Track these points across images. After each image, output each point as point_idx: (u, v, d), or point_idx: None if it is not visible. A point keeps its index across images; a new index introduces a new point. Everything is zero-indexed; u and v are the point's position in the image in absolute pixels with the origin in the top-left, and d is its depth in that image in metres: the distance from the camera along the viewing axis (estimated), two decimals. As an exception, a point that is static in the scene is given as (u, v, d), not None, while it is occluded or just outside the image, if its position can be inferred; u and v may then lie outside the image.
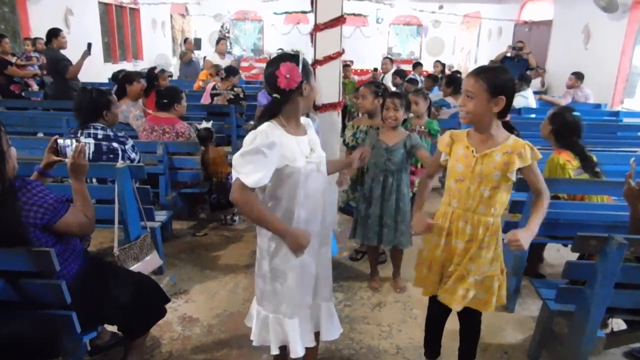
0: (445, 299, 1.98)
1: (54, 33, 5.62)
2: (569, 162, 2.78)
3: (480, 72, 1.78)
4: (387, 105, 2.83)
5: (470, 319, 2.08)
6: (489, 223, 1.86)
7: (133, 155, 3.04)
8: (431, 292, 2.06)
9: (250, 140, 1.64)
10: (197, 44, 9.82)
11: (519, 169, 1.82)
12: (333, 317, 2.02)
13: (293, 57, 1.71)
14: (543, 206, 1.84)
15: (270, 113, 1.75)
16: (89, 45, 5.60)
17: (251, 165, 1.60)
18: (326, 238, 1.94)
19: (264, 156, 1.61)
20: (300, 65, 1.71)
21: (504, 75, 1.78)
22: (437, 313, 2.18)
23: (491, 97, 1.74)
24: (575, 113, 2.94)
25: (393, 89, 6.55)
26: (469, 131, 1.92)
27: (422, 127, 3.56)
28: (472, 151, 1.84)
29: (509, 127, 1.95)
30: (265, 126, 1.68)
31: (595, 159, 2.90)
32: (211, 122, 4.16)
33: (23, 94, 6.31)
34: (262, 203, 1.76)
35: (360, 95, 3.24)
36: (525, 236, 1.72)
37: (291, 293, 1.82)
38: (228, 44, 7.84)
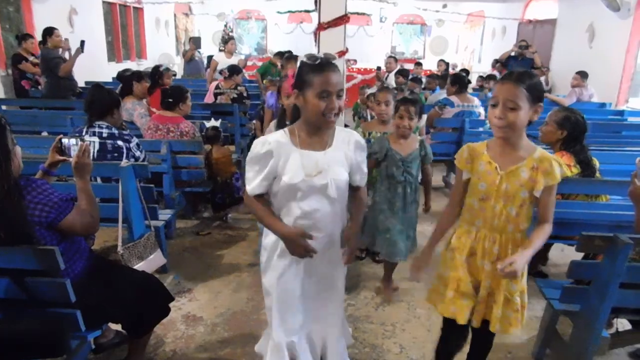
0: (485, 316, 1.80)
1: (48, 32, 5.67)
2: (568, 167, 2.72)
3: (519, 78, 1.58)
4: (401, 113, 2.63)
5: (487, 336, 1.91)
6: (517, 239, 1.73)
7: (138, 154, 3.05)
8: (455, 315, 1.81)
9: (252, 148, 1.69)
10: (197, 42, 9.85)
11: None
12: (339, 354, 1.95)
13: (303, 61, 1.63)
14: (544, 235, 1.66)
15: (285, 119, 1.74)
16: (82, 43, 5.64)
17: (249, 173, 1.69)
18: (335, 265, 1.82)
19: (257, 165, 1.66)
20: (296, 72, 1.65)
21: (538, 79, 1.62)
22: (455, 336, 1.97)
23: (532, 105, 1.58)
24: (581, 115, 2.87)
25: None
26: (489, 143, 1.74)
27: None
28: (496, 168, 1.67)
29: None
30: (271, 134, 1.72)
31: (597, 165, 2.84)
32: (220, 120, 4.16)
33: (32, 89, 6.36)
34: (268, 207, 1.75)
35: (382, 102, 2.99)
36: (520, 262, 1.54)
37: (275, 314, 1.81)
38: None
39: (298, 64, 1.65)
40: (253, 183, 1.67)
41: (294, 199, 1.66)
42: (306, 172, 1.62)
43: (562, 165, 1.65)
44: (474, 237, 1.76)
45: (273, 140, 1.65)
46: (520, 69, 1.64)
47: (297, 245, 1.64)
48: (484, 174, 1.70)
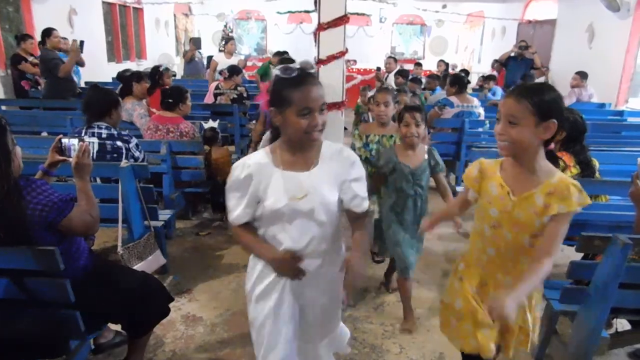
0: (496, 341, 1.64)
1: (46, 33, 5.66)
2: (568, 168, 2.72)
3: (523, 92, 1.44)
4: (407, 121, 2.48)
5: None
6: None
7: (137, 154, 3.05)
8: (479, 350, 1.61)
9: (231, 172, 1.53)
10: (197, 43, 9.87)
11: None
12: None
13: (278, 75, 1.45)
14: (542, 272, 1.42)
15: (272, 136, 1.61)
16: (81, 43, 5.65)
17: (231, 201, 1.54)
18: (331, 289, 1.66)
19: (237, 192, 1.51)
20: (271, 86, 1.49)
21: (552, 94, 1.45)
22: None
23: (539, 122, 1.41)
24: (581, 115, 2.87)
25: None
26: (503, 162, 1.58)
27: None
28: (508, 192, 1.51)
29: (552, 157, 1.58)
30: (251, 155, 1.56)
31: (597, 165, 2.84)
32: (218, 121, 4.16)
33: (32, 90, 6.38)
34: (255, 234, 1.60)
35: (381, 103, 2.91)
36: (511, 304, 1.29)
37: (266, 349, 1.62)
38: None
39: (272, 77, 1.48)
40: (236, 212, 1.53)
41: (279, 224, 1.52)
42: (290, 195, 1.47)
43: (583, 193, 1.44)
44: (485, 267, 1.62)
45: (252, 162, 1.51)
46: (534, 84, 1.51)
47: (287, 267, 1.52)
48: (495, 198, 1.54)
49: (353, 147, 2.99)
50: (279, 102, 1.44)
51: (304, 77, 1.43)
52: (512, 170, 1.53)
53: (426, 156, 2.57)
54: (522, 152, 1.47)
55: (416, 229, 2.60)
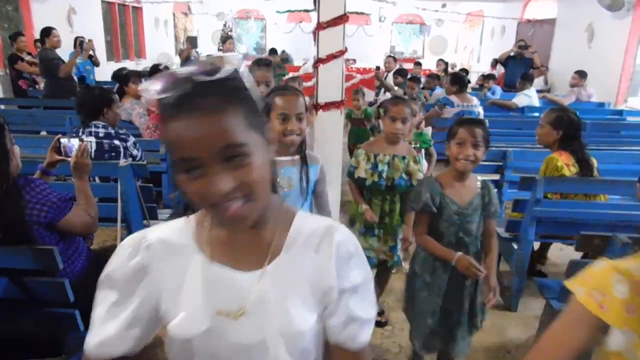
0: None
1: (46, 33, 5.62)
2: (566, 167, 2.73)
3: None
4: (462, 138, 1.76)
5: None
6: None
7: (135, 152, 3.04)
8: None
9: (114, 254, 0.82)
10: (193, 42, 9.87)
11: None
12: None
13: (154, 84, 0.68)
14: None
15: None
16: (81, 42, 5.65)
17: (99, 308, 0.80)
18: None
19: (115, 294, 0.78)
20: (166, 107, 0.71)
21: None
22: None
23: None
24: (575, 112, 2.89)
25: (395, 88, 6.54)
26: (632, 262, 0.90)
27: (412, 141, 3.07)
28: None
29: None
30: (158, 227, 0.84)
31: (595, 163, 2.85)
32: None
33: (30, 89, 6.37)
34: None
35: (398, 118, 2.27)
36: None
37: None
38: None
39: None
40: (102, 332, 0.79)
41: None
42: (217, 310, 0.76)
43: None
44: None
45: (156, 240, 0.80)
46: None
47: None
48: None
49: (351, 172, 2.39)
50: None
51: (187, 97, 0.65)
52: None
53: (479, 189, 1.86)
54: None
55: (462, 295, 1.85)
